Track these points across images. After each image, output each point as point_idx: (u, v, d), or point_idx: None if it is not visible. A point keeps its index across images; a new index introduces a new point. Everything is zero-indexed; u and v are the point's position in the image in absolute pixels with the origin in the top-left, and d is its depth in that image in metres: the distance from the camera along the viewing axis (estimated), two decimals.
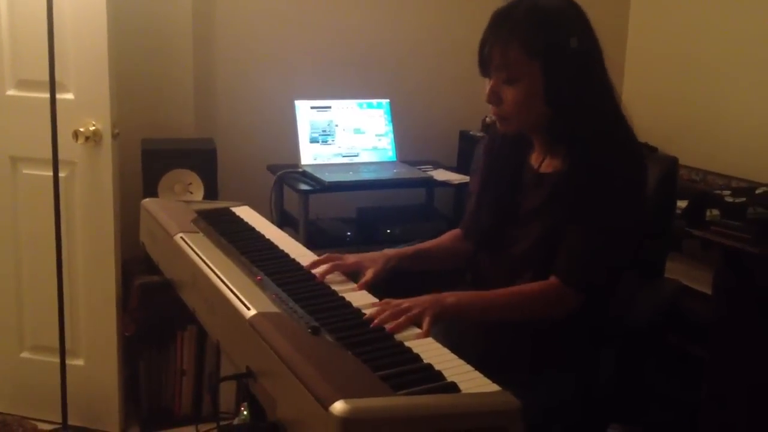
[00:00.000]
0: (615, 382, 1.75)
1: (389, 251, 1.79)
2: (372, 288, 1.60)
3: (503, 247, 1.72)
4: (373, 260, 1.73)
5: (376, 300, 1.52)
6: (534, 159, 1.72)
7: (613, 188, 1.56)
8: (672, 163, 2.03)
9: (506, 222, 1.72)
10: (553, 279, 1.58)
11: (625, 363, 1.77)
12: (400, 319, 1.37)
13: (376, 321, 1.37)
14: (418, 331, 1.38)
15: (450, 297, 1.51)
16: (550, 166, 1.67)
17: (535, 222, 1.66)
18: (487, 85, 1.63)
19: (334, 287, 1.56)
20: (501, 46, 1.57)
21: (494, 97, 1.62)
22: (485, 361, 1.25)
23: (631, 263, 1.67)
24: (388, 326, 1.35)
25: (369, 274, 1.66)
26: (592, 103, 1.60)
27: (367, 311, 1.41)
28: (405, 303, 1.43)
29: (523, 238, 1.67)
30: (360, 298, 1.51)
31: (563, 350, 1.66)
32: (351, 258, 1.70)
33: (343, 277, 1.64)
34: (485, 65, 1.62)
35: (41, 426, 2.71)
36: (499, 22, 1.59)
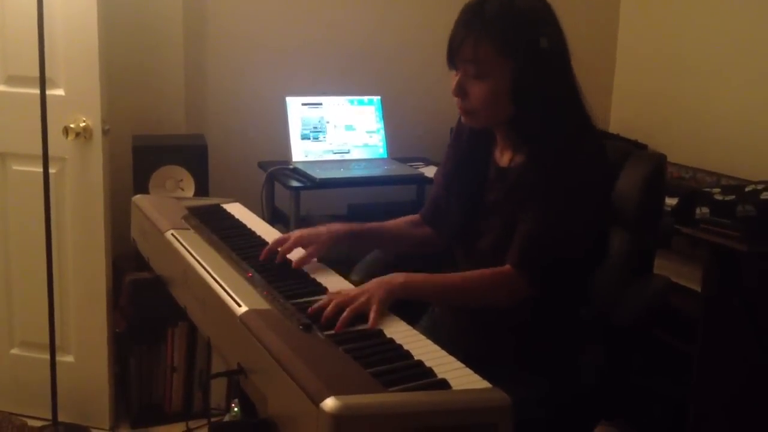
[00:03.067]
0: (603, 378, 1.77)
1: (337, 227, 1.77)
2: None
3: (471, 241, 1.73)
4: (318, 238, 1.70)
5: None
6: (498, 153, 1.73)
7: (570, 183, 1.56)
8: (660, 160, 2.04)
9: (472, 216, 1.73)
10: (506, 265, 1.58)
11: (613, 359, 1.78)
12: (343, 315, 1.35)
13: (322, 320, 1.34)
14: (403, 326, 1.38)
15: (399, 277, 1.50)
16: (512, 161, 1.68)
17: (497, 216, 1.67)
18: (454, 77, 1.63)
19: (325, 284, 1.56)
20: (472, 40, 1.55)
21: (460, 91, 1.62)
22: (469, 357, 1.26)
23: (592, 261, 1.68)
24: (335, 329, 1.32)
25: (309, 250, 1.66)
26: (557, 103, 1.60)
27: (313, 306, 1.38)
28: (352, 292, 1.42)
29: (487, 231, 1.69)
30: None
31: (545, 349, 1.67)
32: (293, 238, 1.68)
33: (335, 274, 1.64)
34: (453, 58, 1.61)
35: (31, 422, 2.70)
36: (471, 15, 1.58)
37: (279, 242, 1.69)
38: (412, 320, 1.45)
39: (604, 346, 1.77)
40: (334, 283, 1.58)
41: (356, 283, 1.62)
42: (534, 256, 1.56)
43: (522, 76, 1.56)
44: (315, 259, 1.68)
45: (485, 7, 1.56)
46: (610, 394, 1.80)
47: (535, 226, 1.57)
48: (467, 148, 1.78)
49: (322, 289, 1.52)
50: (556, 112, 1.59)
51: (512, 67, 1.56)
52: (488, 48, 1.55)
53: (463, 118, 1.69)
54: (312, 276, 1.60)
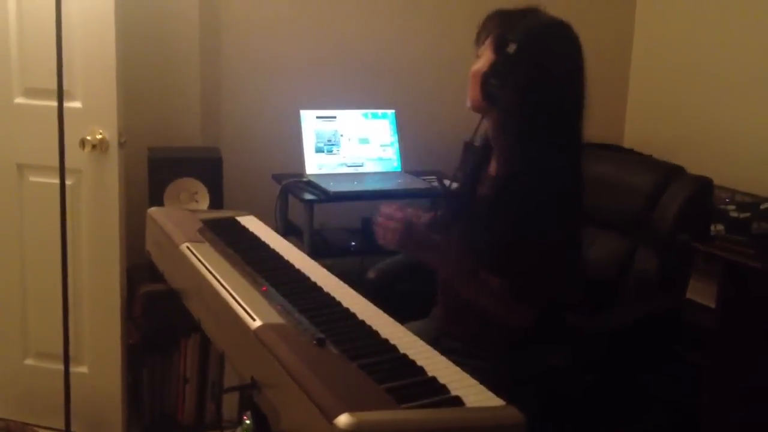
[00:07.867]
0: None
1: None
2: (372, 293, 1.63)
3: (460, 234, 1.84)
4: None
5: (378, 311, 1.52)
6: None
7: (525, 198, 1.68)
8: (705, 184, 2.06)
9: (465, 211, 1.87)
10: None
11: (611, 369, 1.81)
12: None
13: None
14: (418, 343, 1.38)
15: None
16: (494, 169, 1.83)
17: (481, 219, 1.79)
18: None
19: (339, 298, 1.56)
20: (487, 29, 1.78)
21: None
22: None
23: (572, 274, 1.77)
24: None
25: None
26: (523, 112, 1.69)
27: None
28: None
29: (475, 229, 1.79)
30: (365, 309, 1.51)
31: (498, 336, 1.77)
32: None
33: (347, 287, 1.64)
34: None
35: None
36: (502, 10, 1.77)
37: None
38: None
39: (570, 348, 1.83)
40: (348, 297, 1.58)
41: (371, 282, 1.72)
42: (528, 288, 1.67)
43: (493, 69, 1.71)
44: (336, 278, 1.70)
45: (515, 10, 1.74)
46: (617, 403, 1.83)
47: (494, 233, 1.69)
48: (479, 148, 1.89)
49: (336, 303, 1.52)
50: (519, 121, 1.70)
51: (492, 60, 1.72)
52: (490, 39, 1.76)
53: None
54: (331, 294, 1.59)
